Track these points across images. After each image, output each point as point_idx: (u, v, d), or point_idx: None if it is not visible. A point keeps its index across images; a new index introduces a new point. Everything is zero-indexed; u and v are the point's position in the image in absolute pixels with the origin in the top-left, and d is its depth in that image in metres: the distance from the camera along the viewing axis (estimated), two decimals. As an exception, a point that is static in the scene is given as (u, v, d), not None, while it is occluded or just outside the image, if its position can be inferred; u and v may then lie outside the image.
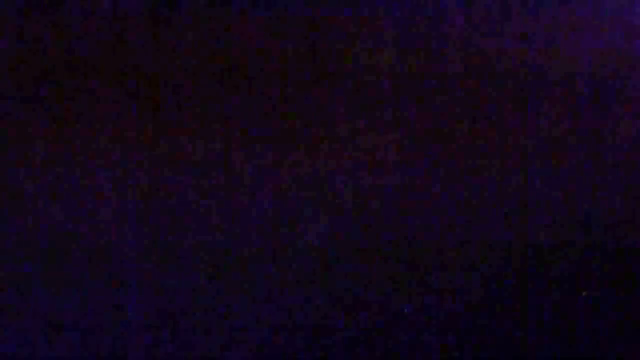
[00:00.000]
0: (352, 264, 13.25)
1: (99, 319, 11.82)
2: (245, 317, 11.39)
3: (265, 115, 14.43)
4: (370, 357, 10.46)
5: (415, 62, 14.85)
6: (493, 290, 13.63)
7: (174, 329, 11.42)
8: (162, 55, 14.27)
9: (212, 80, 14.16)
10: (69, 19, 13.95)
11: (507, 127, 14.91)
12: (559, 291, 13.37)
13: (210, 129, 13.57)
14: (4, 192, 13.77)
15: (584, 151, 14.59)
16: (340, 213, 13.94)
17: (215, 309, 11.41)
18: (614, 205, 14.51)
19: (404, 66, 14.94)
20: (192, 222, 13.52)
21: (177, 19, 14.81)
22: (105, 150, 13.51)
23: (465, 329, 11.72)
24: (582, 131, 14.66)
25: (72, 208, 13.64)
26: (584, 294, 12.83)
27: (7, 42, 14.10)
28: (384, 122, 14.81)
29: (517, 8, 15.35)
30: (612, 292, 12.93)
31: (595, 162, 14.82)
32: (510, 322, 11.97)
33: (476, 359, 10.64)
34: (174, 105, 14.14)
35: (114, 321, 10.91)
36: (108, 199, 13.70)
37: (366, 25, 15.07)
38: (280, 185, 14.16)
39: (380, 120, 14.68)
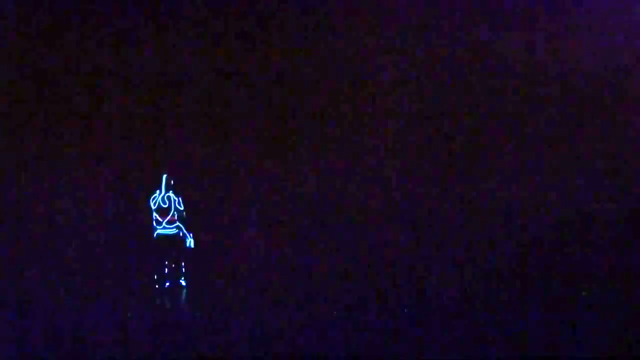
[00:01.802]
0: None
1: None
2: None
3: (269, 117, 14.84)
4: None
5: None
6: (493, 290, 13.84)
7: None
8: (163, 58, 14.84)
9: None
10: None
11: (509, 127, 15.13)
12: (558, 290, 13.70)
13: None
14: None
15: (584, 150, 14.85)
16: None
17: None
18: (614, 205, 14.75)
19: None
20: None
21: (177, 24, 15.37)
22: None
23: (465, 328, 12.14)
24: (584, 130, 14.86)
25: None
26: (584, 293, 13.39)
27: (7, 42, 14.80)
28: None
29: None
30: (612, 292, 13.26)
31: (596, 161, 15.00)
32: (510, 322, 12.39)
33: (476, 358, 11.16)
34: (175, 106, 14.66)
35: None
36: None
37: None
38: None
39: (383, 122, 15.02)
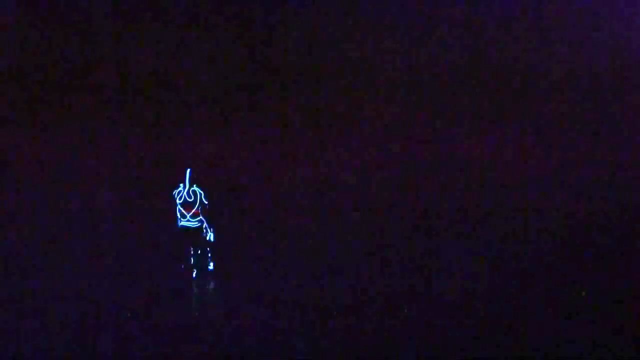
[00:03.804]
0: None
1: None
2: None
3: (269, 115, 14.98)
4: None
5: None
6: (492, 289, 13.69)
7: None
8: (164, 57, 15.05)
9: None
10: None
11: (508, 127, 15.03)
12: (558, 291, 13.51)
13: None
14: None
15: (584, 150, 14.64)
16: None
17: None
18: (614, 205, 14.44)
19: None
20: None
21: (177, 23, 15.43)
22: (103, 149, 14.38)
23: (465, 328, 12.07)
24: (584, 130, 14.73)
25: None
26: (584, 293, 13.14)
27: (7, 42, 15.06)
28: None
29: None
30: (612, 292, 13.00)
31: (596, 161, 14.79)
32: (510, 322, 12.24)
33: (476, 358, 11.07)
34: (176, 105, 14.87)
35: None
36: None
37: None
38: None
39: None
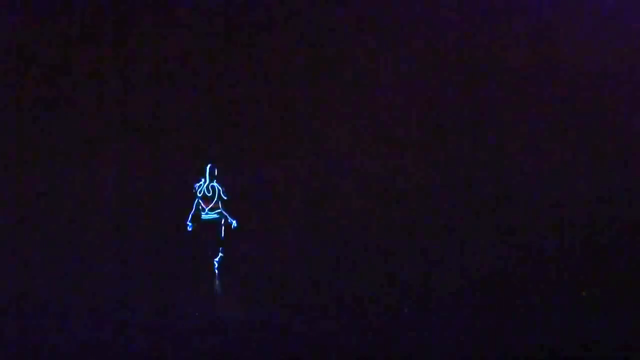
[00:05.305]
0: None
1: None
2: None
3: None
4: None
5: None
6: (493, 290, 13.83)
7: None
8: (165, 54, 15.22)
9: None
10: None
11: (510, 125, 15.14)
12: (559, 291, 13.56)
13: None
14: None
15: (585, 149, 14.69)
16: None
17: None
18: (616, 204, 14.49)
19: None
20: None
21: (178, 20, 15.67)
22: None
23: (465, 329, 12.17)
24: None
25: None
26: (583, 293, 13.22)
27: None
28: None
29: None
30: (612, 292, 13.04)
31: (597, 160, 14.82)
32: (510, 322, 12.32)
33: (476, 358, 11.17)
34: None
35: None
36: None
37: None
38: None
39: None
